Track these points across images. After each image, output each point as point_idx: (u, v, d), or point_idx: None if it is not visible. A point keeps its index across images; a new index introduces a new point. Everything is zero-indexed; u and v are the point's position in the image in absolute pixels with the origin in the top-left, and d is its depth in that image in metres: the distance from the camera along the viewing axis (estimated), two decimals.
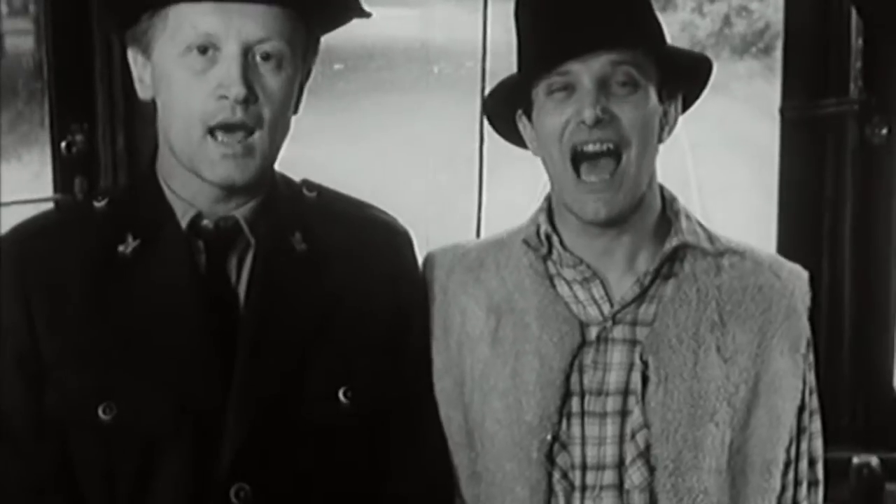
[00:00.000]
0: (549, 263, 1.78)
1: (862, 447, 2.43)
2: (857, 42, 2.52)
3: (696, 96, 1.80)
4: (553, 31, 1.67)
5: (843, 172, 2.56)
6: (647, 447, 1.69)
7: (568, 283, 1.76)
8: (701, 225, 1.79)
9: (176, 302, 1.64)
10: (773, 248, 2.61)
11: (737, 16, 2.91)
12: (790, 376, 1.75)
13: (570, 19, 1.65)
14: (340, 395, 1.68)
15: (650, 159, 1.72)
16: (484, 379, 1.76)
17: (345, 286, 1.71)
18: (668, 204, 1.78)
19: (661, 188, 1.79)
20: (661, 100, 1.71)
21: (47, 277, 1.65)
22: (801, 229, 2.61)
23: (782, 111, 2.58)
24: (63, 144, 2.49)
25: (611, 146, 1.66)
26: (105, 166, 2.50)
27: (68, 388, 1.63)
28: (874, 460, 2.44)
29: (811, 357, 1.80)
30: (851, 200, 2.56)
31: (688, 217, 1.78)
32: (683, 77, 1.75)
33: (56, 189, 2.51)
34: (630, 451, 1.70)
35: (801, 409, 1.78)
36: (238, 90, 1.57)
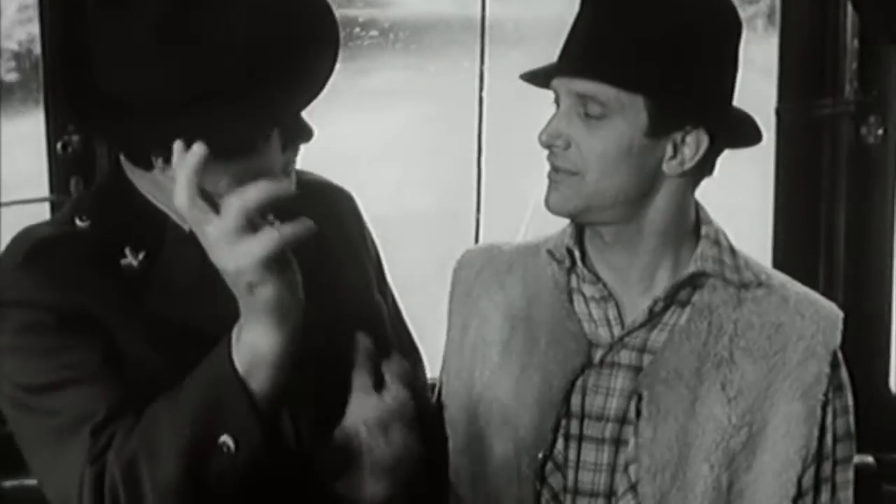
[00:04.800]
0: (573, 276, 1.72)
1: (858, 448, 2.42)
2: (853, 42, 2.52)
3: (743, 139, 1.66)
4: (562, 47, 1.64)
5: (839, 173, 2.57)
6: (638, 481, 1.63)
7: (586, 299, 1.71)
8: (733, 252, 1.69)
9: (203, 297, 1.54)
10: (769, 248, 2.62)
11: None
12: (801, 423, 1.64)
13: (567, 40, 1.62)
14: None
15: (616, 185, 1.59)
16: (489, 387, 1.73)
17: (328, 253, 1.64)
18: (701, 227, 1.69)
19: (699, 212, 1.70)
20: (652, 134, 1.58)
21: (68, 287, 1.53)
22: (796, 230, 2.62)
23: (778, 112, 2.58)
24: (59, 144, 2.48)
25: (570, 172, 1.60)
26: (101, 167, 2.49)
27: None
28: (870, 461, 2.45)
29: (844, 402, 1.71)
30: (847, 201, 2.57)
31: (717, 243, 1.68)
32: (690, 113, 1.60)
33: (52, 189, 2.49)
34: (622, 483, 1.65)
35: (821, 457, 1.68)
36: None
